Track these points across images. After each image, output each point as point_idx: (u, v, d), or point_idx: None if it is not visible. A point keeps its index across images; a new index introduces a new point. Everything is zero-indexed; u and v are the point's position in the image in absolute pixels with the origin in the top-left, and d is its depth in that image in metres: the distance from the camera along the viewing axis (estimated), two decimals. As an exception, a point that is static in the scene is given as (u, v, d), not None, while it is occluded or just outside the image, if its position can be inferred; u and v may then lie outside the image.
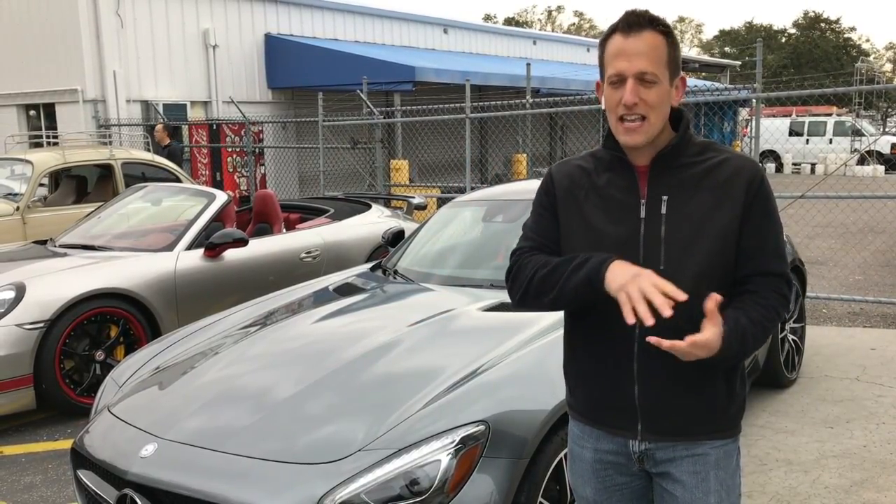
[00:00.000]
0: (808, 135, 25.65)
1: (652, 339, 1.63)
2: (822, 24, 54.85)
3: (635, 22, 1.74)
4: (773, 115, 28.32)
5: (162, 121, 13.35)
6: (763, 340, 1.77)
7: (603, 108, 1.83)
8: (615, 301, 1.77)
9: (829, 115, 27.31)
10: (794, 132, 25.36)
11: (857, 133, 24.71)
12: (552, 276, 1.79)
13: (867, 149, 21.69)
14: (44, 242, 6.14)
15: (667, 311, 1.58)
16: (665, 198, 1.77)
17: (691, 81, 24.38)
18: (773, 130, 20.89)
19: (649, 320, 1.58)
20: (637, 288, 1.61)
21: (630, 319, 1.60)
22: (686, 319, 1.66)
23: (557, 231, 1.88)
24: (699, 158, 1.80)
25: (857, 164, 21.19)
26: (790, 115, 27.72)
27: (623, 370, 1.81)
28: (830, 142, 25.13)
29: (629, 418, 1.83)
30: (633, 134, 1.74)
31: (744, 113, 19.36)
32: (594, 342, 1.85)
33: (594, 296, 1.71)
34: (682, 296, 1.60)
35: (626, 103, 1.72)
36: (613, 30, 1.77)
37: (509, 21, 66.98)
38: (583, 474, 1.95)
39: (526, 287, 1.84)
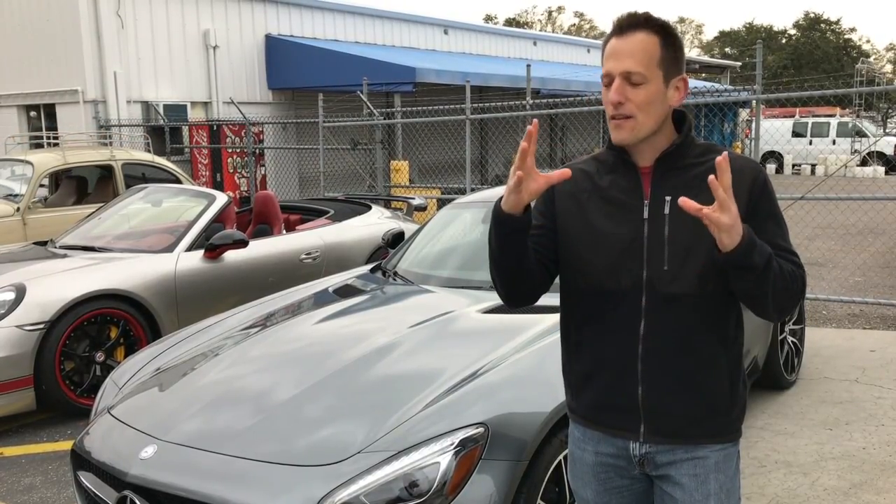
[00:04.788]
0: (812, 136, 25.65)
1: (681, 202, 1.60)
2: (823, 25, 54.87)
3: (628, 23, 1.76)
4: (776, 117, 28.28)
5: None
6: (782, 287, 1.70)
7: None
8: (617, 303, 1.80)
9: (832, 116, 27.26)
10: (796, 133, 25.35)
11: (861, 134, 24.66)
12: (489, 249, 1.83)
13: (869, 150, 21.65)
14: (44, 243, 6.15)
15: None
16: (668, 198, 1.77)
17: (691, 82, 24.38)
18: (773, 132, 20.89)
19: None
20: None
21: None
22: (691, 314, 1.72)
23: (550, 238, 1.88)
24: (702, 159, 1.80)
25: (860, 165, 21.18)
26: (793, 116, 27.68)
27: (628, 371, 1.81)
28: (834, 143, 25.12)
29: (633, 420, 1.83)
30: (619, 130, 1.76)
31: (744, 114, 19.37)
32: (598, 344, 1.86)
33: (509, 227, 1.74)
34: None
35: (611, 101, 1.74)
36: (611, 33, 1.79)
37: (510, 22, 67.01)
38: (583, 477, 1.95)
39: (492, 281, 1.88)
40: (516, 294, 1.88)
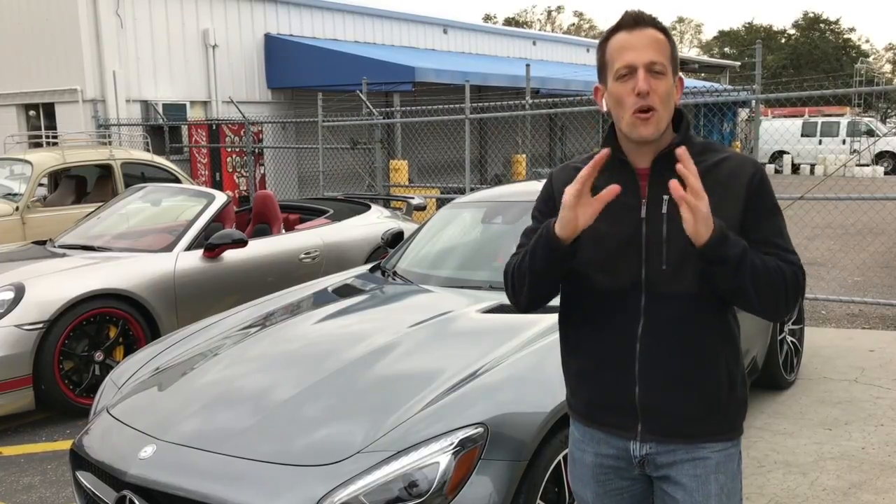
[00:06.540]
0: (821, 135, 25.55)
1: (671, 184, 1.61)
2: (822, 25, 54.84)
3: (640, 19, 1.77)
4: (785, 116, 28.12)
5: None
6: (766, 283, 1.69)
7: (604, 110, 1.82)
8: (616, 302, 1.80)
9: (842, 115, 27.07)
10: (805, 133, 25.26)
11: (871, 133, 24.52)
12: (523, 263, 1.81)
13: (869, 149, 21.59)
14: (43, 243, 6.14)
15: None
16: (666, 197, 1.76)
17: (691, 82, 24.38)
18: (773, 132, 20.85)
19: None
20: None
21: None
22: (690, 313, 1.73)
23: None
24: (700, 159, 1.79)
25: (869, 165, 21.13)
26: (802, 116, 27.53)
27: (625, 371, 1.81)
28: (844, 142, 25.02)
29: (630, 418, 1.83)
30: (646, 125, 1.73)
31: (743, 114, 19.38)
32: (596, 343, 1.86)
33: (560, 255, 1.73)
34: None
35: (640, 90, 1.71)
36: (617, 29, 1.78)
37: (509, 21, 66.98)
38: (583, 478, 1.95)
39: (512, 286, 1.87)
40: (536, 305, 1.88)
